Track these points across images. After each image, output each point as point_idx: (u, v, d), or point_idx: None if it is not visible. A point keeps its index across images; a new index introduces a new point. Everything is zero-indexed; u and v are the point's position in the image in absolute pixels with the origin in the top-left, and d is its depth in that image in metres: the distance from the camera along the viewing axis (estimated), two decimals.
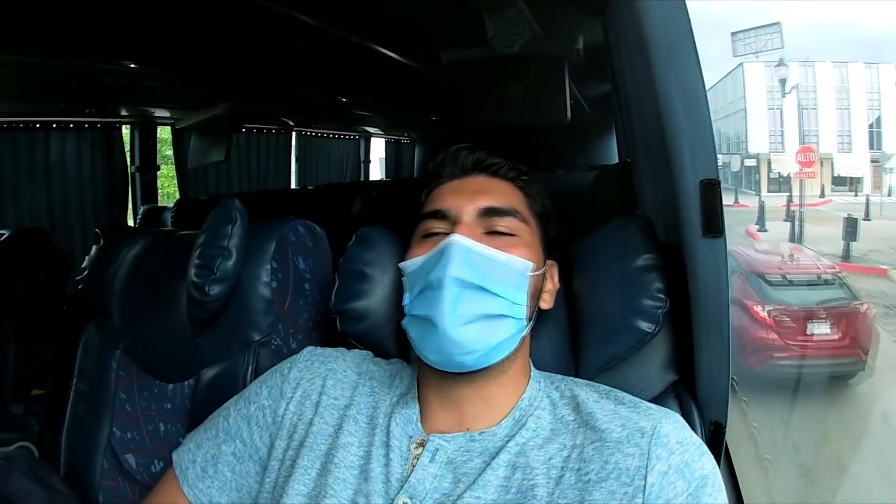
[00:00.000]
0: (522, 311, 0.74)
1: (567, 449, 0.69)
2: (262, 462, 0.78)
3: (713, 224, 0.69)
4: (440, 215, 0.78)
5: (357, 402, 0.78)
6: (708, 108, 0.67)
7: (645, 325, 0.81)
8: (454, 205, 0.78)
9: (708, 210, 0.68)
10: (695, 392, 0.82)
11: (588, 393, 0.75)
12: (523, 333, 0.76)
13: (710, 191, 0.68)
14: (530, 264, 0.76)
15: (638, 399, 0.74)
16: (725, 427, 0.80)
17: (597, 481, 0.64)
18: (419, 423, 0.75)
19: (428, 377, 0.77)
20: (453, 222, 0.77)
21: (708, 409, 0.81)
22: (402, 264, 0.80)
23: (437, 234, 0.78)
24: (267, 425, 0.79)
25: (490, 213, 0.77)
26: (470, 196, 0.79)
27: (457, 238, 0.73)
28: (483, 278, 0.71)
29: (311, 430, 0.76)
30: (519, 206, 0.80)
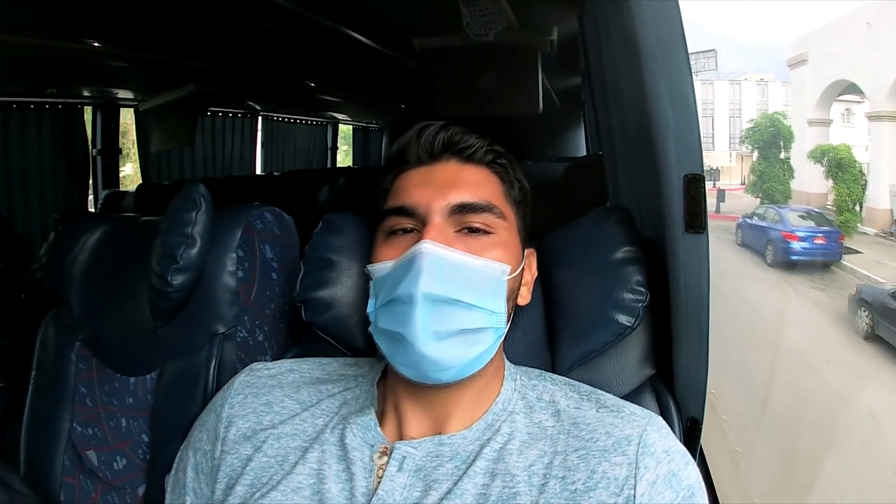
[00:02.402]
0: (502, 318, 0.69)
1: (548, 455, 0.66)
2: None
3: (696, 220, 0.68)
4: (407, 212, 0.71)
5: (300, 428, 0.72)
6: (695, 104, 0.65)
7: (624, 319, 0.80)
8: (422, 200, 0.70)
9: (692, 205, 0.67)
10: (672, 388, 0.82)
11: (569, 398, 0.72)
12: (503, 339, 0.72)
13: (695, 186, 0.67)
14: (507, 267, 0.70)
15: (620, 401, 0.73)
16: (701, 424, 0.80)
17: (584, 491, 0.62)
18: (378, 429, 0.70)
19: (399, 383, 0.72)
20: (422, 221, 0.70)
21: (685, 406, 0.80)
22: (368, 267, 0.73)
23: (404, 231, 0.71)
24: (207, 472, 0.74)
25: (463, 209, 0.70)
26: (439, 190, 0.71)
27: (427, 247, 0.66)
28: (457, 290, 0.65)
29: (248, 467, 0.70)
30: (495, 197, 0.73)
